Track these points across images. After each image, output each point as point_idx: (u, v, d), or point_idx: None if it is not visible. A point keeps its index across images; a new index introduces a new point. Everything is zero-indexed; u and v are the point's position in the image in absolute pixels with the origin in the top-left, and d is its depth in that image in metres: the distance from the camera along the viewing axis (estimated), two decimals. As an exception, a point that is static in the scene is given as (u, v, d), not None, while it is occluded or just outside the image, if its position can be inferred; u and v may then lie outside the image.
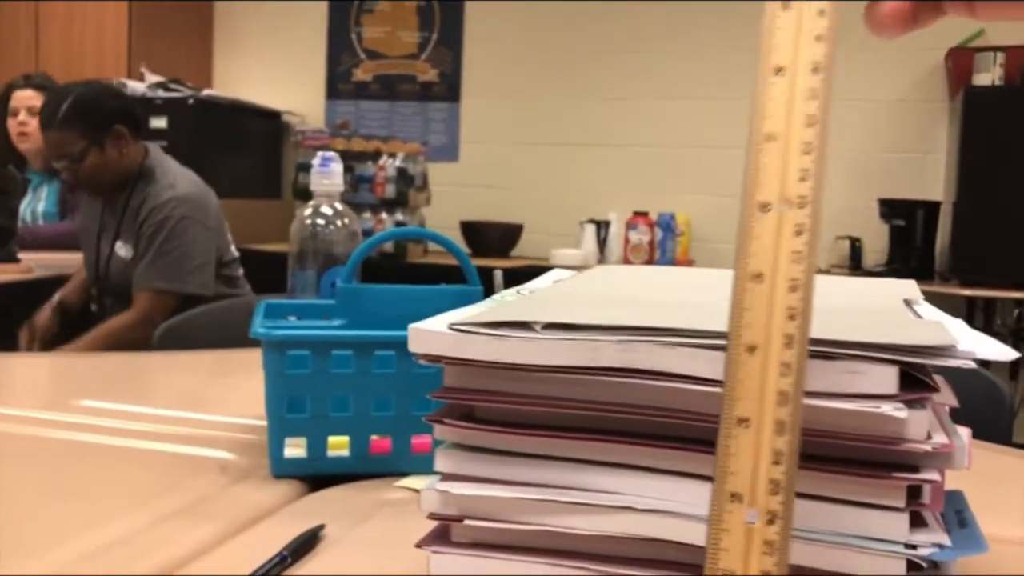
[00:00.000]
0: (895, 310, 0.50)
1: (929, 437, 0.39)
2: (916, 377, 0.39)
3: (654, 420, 0.42)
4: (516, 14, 4.03)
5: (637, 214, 3.55)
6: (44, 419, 0.87)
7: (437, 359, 0.45)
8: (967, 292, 3.00)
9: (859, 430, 0.39)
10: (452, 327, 0.45)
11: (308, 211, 0.91)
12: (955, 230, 3.05)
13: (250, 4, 4.37)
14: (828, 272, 3.56)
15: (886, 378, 0.39)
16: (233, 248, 2.26)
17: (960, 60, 3.24)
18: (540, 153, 4.04)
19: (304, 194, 3.07)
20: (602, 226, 3.72)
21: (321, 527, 0.60)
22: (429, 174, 3.74)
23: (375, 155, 3.55)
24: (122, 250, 2.15)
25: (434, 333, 0.45)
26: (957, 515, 0.46)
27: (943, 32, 3.40)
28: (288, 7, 4.29)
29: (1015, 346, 3.29)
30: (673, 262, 3.49)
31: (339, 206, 0.92)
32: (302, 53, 4.30)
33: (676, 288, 0.60)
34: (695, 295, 0.55)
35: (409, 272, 3.37)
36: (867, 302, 0.54)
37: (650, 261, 3.49)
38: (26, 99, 2.94)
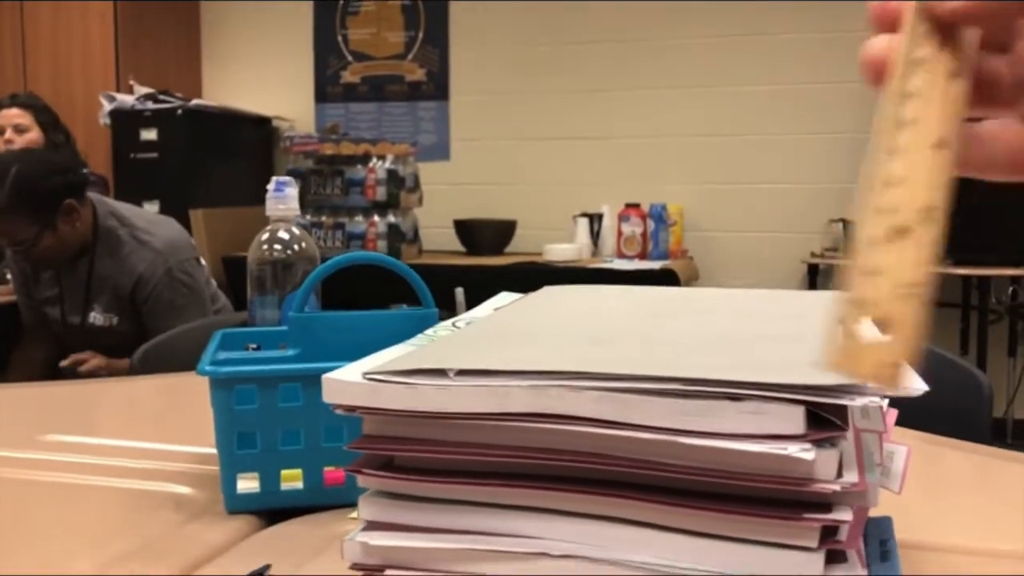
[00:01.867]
0: (814, 336, 0.49)
1: (840, 475, 0.39)
2: (822, 418, 0.39)
3: (567, 464, 0.42)
4: (501, 10, 4.01)
5: (629, 206, 3.54)
6: (10, 457, 0.87)
7: (352, 409, 0.45)
8: (962, 271, 2.99)
9: (768, 471, 0.39)
10: (366, 376, 0.44)
11: (265, 236, 0.91)
12: (949, 210, 3.03)
13: (236, 11, 4.36)
14: (821, 256, 3.54)
15: (793, 418, 0.38)
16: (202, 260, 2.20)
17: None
18: (531, 148, 4.03)
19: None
20: (595, 219, 3.71)
21: (267, 567, 0.59)
22: (420, 174, 3.73)
23: (365, 158, 3.55)
24: (99, 319, 2.07)
25: (348, 383, 0.45)
26: (881, 545, 0.45)
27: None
28: (274, 12, 4.29)
29: (1011, 324, 3.28)
30: (667, 253, 3.48)
31: (296, 230, 0.91)
32: (289, 58, 4.30)
33: (616, 315, 0.59)
34: (636, 323, 0.55)
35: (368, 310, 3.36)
36: (785, 325, 0.54)
37: (644, 252, 3.48)
38: (12, 117, 2.94)
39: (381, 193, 3.51)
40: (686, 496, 0.40)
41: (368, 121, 4.22)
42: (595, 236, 3.70)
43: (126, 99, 3.87)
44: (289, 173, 3.66)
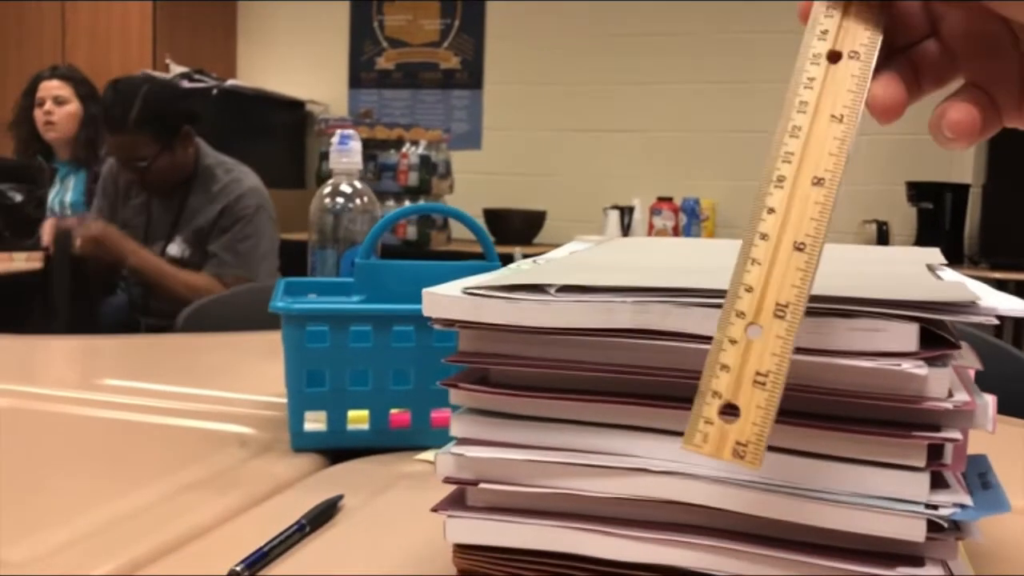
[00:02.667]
0: (917, 273, 0.49)
1: (951, 395, 0.38)
2: (937, 335, 0.39)
3: (669, 381, 0.41)
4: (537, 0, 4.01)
5: (661, 199, 3.53)
6: (67, 397, 0.88)
7: (451, 323, 0.45)
8: (997, 275, 2.96)
9: (878, 389, 0.39)
10: (466, 291, 0.45)
11: (327, 190, 0.91)
12: (984, 213, 3.01)
13: (273, -6, 4.39)
14: (855, 256, 3.52)
15: (906, 335, 0.38)
16: None
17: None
18: (563, 139, 4.03)
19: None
20: (626, 212, 3.70)
21: (340, 497, 0.60)
22: (452, 162, 3.74)
23: (398, 143, 3.56)
24: (175, 249, 2.15)
25: (448, 297, 0.45)
26: (980, 478, 0.45)
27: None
28: (310, -4, 4.31)
29: (1046, 330, 3.25)
30: (697, 247, 3.47)
31: (358, 184, 0.92)
32: (325, 42, 4.31)
33: (695, 256, 0.59)
34: (714, 261, 0.55)
35: (432, 259, 3.38)
36: (888, 266, 0.54)
37: (674, 247, 3.46)
38: (52, 89, 2.97)
39: (413, 179, 3.52)
40: (791, 415, 0.40)
41: (401, 108, 4.23)
42: (625, 229, 3.69)
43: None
44: (322, 157, 3.68)
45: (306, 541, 0.54)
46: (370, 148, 3.57)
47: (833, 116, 0.38)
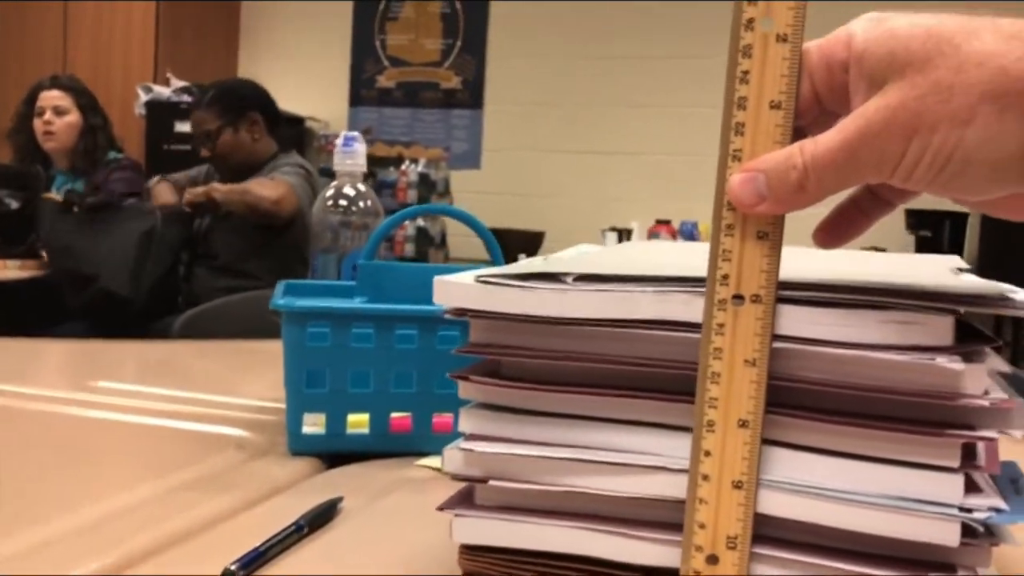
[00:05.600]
0: (943, 272, 0.48)
1: (986, 393, 0.37)
2: (972, 330, 0.37)
3: (691, 375, 0.40)
4: (541, 21, 4.02)
5: (659, 222, 3.53)
6: (62, 397, 0.86)
7: (463, 312, 0.43)
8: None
9: (911, 384, 0.37)
10: (479, 279, 0.43)
11: (330, 191, 0.90)
12: (983, 241, 3.01)
13: (276, 10, 4.40)
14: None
15: (941, 328, 0.36)
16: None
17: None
18: (562, 161, 4.03)
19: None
20: (624, 234, 3.70)
21: (339, 499, 0.58)
22: (451, 180, 3.73)
23: (397, 160, 3.56)
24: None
25: (460, 284, 0.43)
26: (1012, 483, 0.43)
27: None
28: (313, 14, 4.32)
29: (1045, 360, 3.24)
30: (695, 271, 3.46)
31: (362, 187, 0.90)
32: (326, 59, 4.32)
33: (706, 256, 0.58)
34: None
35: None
36: (913, 268, 0.52)
37: (672, 270, 3.45)
38: (52, 99, 2.95)
39: (412, 196, 3.52)
40: (820, 411, 0.38)
41: (401, 127, 4.23)
42: (623, 251, 3.68)
43: (162, 91, 3.89)
44: (322, 173, 3.66)
45: (304, 542, 0.52)
46: (369, 165, 3.56)
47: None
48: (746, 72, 0.38)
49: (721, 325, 0.38)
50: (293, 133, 4.27)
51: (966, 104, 0.33)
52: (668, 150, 3.87)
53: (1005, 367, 0.45)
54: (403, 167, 3.55)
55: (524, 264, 0.49)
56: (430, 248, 3.50)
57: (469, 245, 3.88)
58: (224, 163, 2.36)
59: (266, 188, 2.21)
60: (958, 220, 3.21)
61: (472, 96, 4.14)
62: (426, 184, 3.53)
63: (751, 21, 0.37)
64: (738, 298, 0.38)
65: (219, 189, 2.24)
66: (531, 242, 3.80)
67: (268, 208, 2.18)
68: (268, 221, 2.21)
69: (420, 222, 3.53)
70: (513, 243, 3.75)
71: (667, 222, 3.51)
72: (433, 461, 0.68)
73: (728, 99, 0.38)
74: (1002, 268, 2.93)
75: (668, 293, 0.40)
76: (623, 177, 3.94)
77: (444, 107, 4.18)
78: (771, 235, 0.38)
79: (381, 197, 3.54)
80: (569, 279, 0.42)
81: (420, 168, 3.55)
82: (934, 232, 3.20)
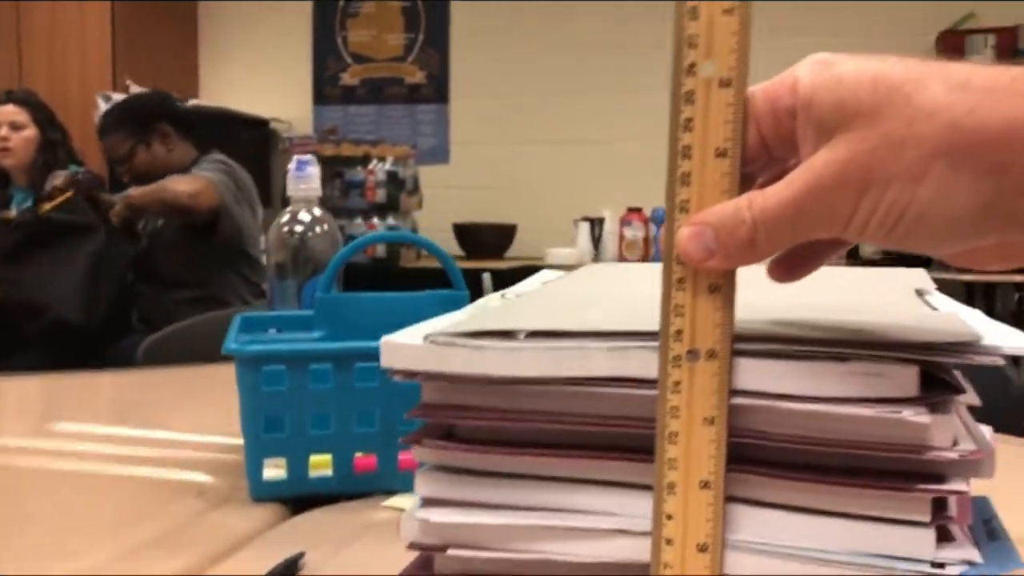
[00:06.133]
0: (908, 303, 0.46)
1: (955, 444, 0.35)
2: (937, 378, 0.36)
3: (651, 433, 0.38)
4: (502, 12, 3.99)
5: (631, 210, 3.52)
6: (16, 446, 0.84)
7: (413, 375, 0.41)
8: (967, 278, 2.97)
9: (877, 438, 0.35)
10: (428, 339, 0.41)
11: (286, 217, 0.87)
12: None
13: (234, 10, 4.33)
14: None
15: (906, 379, 0.35)
16: (252, 250, 2.36)
17: (951, 43, 3.22)
18: (531, 152, 4.00)
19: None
20: (596, 224, 3.69)
21: (301, 555, 0.56)
22: (420, 177, 3.70)
23: (364, 160, 3.52)
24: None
25: (409, 346, 0.41)
26: (985, 525, 0.42)
27: (933, 15, 3.37)
28: (272, 13, 4.26)
29: (1017, 330, 3.27)
30: (669, 257, 3.45)
31: (318, 211, 0.88)
32: (288, 59, 4.26)
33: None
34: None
35: (402, 277, 3.33)
36: (877, 296, 0.51)
37: (645, 257, 3.45)
38: (8, 114, 2.89)
39: (381, 195, 3.48)
40: (785, 467, 0.37)
41: (366, 124, 4.19)
42: (596, 241, 3.67)
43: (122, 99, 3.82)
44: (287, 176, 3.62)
45: (264, 607, 0.50)
46: (336, 165, 3.52)
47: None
48: (689, 119, 0.36)
49: (677, 383, 0.36)
50: (257, 136, 4.22)
51: (918, 159, 0.31)
52: (637, 136, 3.85)
53: (975, 400, 0.43)
54: (371, 166, 3.51)
55: (478, 311, 0.47)
56: (401, 247, 3.47)
57: (442, 240, 3.85)
58: (147, 182, 2.29)
59: (181, 183, 2.19)
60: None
61: (437, 90, 4.10)
62: (395, 182, 3.49)
63: (692, 66, 0.36)
64: (693, 354, 0.36)
65: (134, 194, 2.22)
66: (504, 236, 3.78)
67: (185, 202, 2.13)
68: (189, 218, 2.16)
69: (391, 221, 3.50)
70: (486, 238, 3.74)
71: (638, 210, 3.50)
72: (401, 501, 0.67)
73: (672, 148, 0.36)
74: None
75: (623, 350, 0.38)
76: (593, 166, 3.92)
77: (409, 102, 4.14)
78: (723, 288, 0.36)
79: (350, 198, 3.51)
80: (521, 335, 0.40)
81: (388, 166, 3.51)
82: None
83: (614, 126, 3.88)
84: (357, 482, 0.68)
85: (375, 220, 3.49)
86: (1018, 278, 2.86)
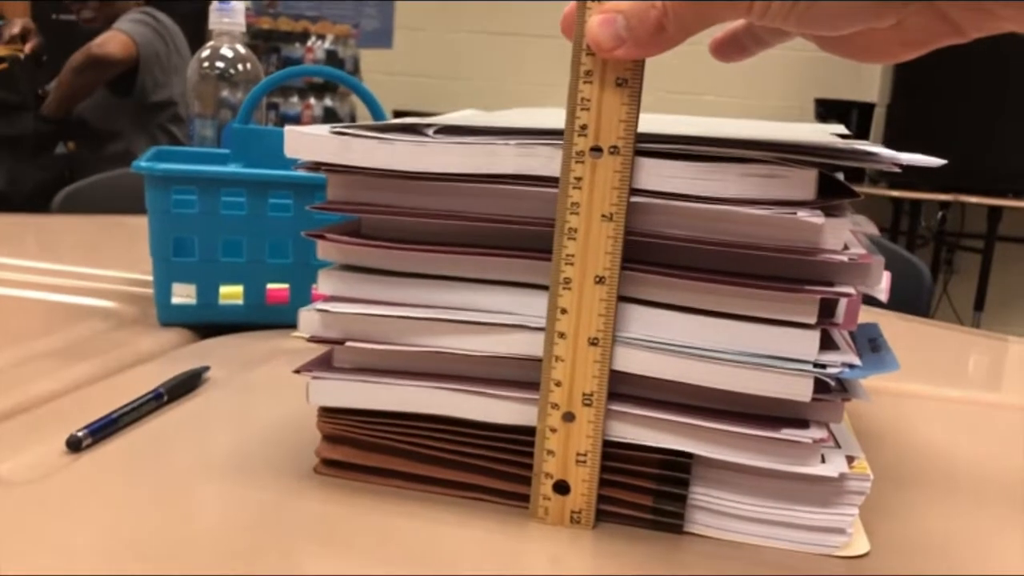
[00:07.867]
0: (819, 131, 0.47)
1: (846, 248, 0.36)
2: (836, 184, 0.36)
3: (551, 233, 0.38)
4: None
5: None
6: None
7: (317, 167, 0.41)
8: (894, 193, 3.04)
9: (771, 240, 0.36)
10: (334, 131, 0.40)
11: (206, 52, 0.84)
12: (887, 132, 3.06)
13: None
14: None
15: (804, 182, 0.35)
16: (181, 110, 2.31)
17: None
18: (481, 42, 3.91)
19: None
20: (538, 119, 3.65)
21: (205, 369, 0.55)
22: (360, 60, 3.60)
23: (303, 36, 3.40)
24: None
25: (313, 135, 0.40)
26: (870, 343, 0.43)
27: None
28: None
29: (936, 249, 3.37)
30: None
31: (241, 48, 0.85)
32: (227, -74, 4.06)
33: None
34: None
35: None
36: (789, 130, 0.51)
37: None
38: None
39: (319, 75, 3.38)
40: (679, 268, 0.37)
41: (307, 3, 4.03)
42: (536, 136, 3.63)
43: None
44: (222, 47, 3.49)
45: (163, 410, 0.50)
46: (274, 40, 3.40)
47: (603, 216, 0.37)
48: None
49: (579, 178, 0.36)
50: (191, 8, 4.03)
51: None
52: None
53: (874, 230, 0.44)
54: (309, 43, 3.39)
55: (392, 122, 0.46)
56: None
57: (382, 83, 3.78)
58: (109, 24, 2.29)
59: (96, 40, 2.18)
60: (865, 111, 3.25)
61: (383, -30, 3.95)
62: (334, 62, 3.39)
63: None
64: (596, 150, 0.36)
65: (50, 101, 2.23)
66: (443, 126, 3.72)
67: (95, 53, 2.14)
68: (105, 71, 2.16)
69: (328, 102, 3.40)
70: (425, 126, 3.67)
71: (581, 107, 3.47)
72: (311, 332, 0.66)
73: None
74: (906, 175, 3.00)
75: (531, 146, 0.38)
76: (544, 62, 3.85)
77: (354, -19, 3.99)
78: (630, 82, 0.36)
79: (287, 75, 3.40)
80: (430, 131, 0.40)
81: (327, 45, 3.40)
82: (842, 122, 3.24)
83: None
84: (268, 313, 0.67)
85: (312, 100, 3.40)
86: (942, 196, 2.92)
